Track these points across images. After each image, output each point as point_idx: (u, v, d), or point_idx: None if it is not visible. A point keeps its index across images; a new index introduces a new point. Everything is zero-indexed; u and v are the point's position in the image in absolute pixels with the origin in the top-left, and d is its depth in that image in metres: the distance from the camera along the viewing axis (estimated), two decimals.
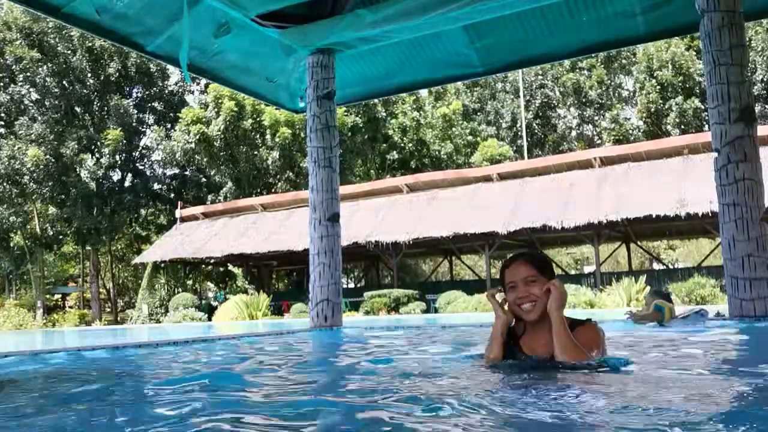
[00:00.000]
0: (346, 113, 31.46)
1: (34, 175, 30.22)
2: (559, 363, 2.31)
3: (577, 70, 37.98)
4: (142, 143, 36.30)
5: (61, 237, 34.41)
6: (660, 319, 5.59)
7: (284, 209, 26.29)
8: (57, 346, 5.35)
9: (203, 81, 32.92)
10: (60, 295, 38.84)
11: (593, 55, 31.66)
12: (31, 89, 32.31)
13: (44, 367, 3.98)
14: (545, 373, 2.29)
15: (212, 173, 34.21)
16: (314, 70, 8.12)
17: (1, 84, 32.08)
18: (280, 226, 24.84)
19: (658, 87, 32.97)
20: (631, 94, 38.25)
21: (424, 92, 38.07)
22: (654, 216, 18.57)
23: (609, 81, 38.46)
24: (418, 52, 8.95)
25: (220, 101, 30.81)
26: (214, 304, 26.00)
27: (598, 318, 3.27)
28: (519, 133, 39.52)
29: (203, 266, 31.07)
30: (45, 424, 1.88)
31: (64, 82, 32.05)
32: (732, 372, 2.80)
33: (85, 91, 32.73)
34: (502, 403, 1.89)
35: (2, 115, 33.02)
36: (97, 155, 32.49)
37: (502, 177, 23.28)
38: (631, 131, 36.17)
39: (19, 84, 31.86)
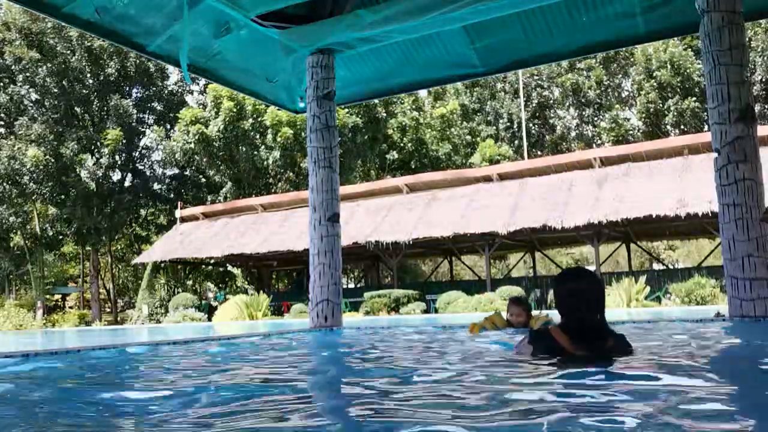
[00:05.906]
0: (347, 113, 31.45)
1: (34, 175, 30.22)
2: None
3: (576, 71, 37.98)
4: (141, 143, 36.30)
5: (61, 237, 34.41)
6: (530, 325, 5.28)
7: (284, 209, 26.28)
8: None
9: (203, 81, 32.95)
10: (60, 296, 38.81)
11: (593, 55, 31.63)
12: (30, 89, 32.31)
13: None
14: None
15: (212, 173, 34.21)
16: (314, 71, 8.11)
17: (1, 84, 32.08)
18: (280, 226, 24.84)
19: (657, 87, 32.99)
20: (631, 94, 38.26)
21: (423, 92, 38.07)
22: (654, 216, 18.57)
23: (608, 81, 38.47)
24: (418, 52, 8.93)
25: (218, 101, 30.81)
26: (214, 304, 25.99)
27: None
28: (518, 134, 39.52)
29: (203, 266, 31.07)
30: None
31: (64, 83, 32.03)
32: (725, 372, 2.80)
33: (84, 91, 32.72)
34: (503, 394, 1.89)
35: (2, 115, 33.03)
36: (97, 155, 32.49)
37: (502, 177, 23.28)
38: (630, 131, 36.18)
39: (19, 84, 31.86)
